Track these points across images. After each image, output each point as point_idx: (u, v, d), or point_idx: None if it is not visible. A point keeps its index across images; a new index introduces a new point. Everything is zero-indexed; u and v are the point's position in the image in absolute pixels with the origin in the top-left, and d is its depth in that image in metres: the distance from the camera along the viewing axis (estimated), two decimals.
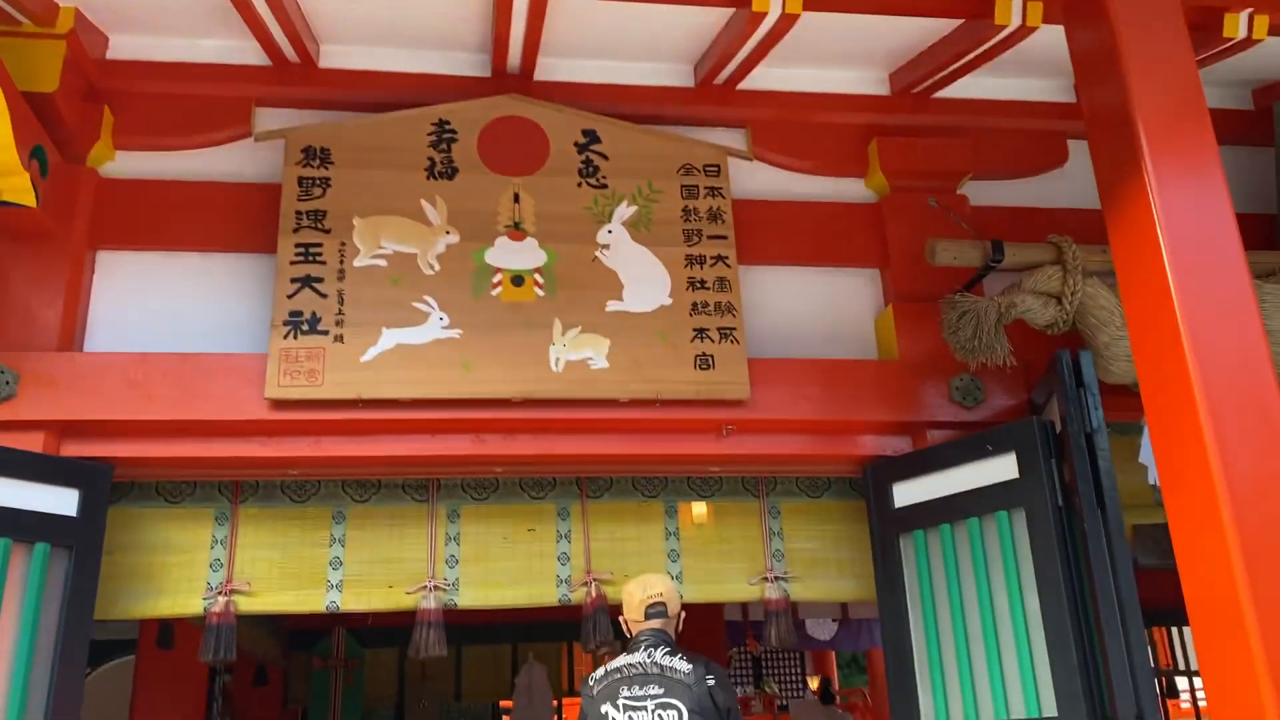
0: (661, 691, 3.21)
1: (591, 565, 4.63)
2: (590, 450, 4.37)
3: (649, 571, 4.61)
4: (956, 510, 4.30)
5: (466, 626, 7.97)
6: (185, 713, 7.17)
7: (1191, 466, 3.05)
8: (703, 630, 9.16)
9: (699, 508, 4.84)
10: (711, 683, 3.22)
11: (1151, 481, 4.40)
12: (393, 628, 7.96)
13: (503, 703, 10.38)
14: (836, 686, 17.09)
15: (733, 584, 4.72)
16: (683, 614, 3.50)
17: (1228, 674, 2.89)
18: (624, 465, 4.64)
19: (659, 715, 3.17)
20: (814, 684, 14.87)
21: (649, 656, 3.29)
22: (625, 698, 3.21)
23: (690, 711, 3.15)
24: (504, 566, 4.60)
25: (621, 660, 3.34)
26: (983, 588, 4.15)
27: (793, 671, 17.59)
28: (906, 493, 4.50)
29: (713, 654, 9.28)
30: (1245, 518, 2.92)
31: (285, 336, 4.15)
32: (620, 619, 3.53)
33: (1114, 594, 3.82)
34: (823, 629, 11.86)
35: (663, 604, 3.41)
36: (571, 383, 4.26)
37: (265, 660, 7.88)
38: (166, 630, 6.20)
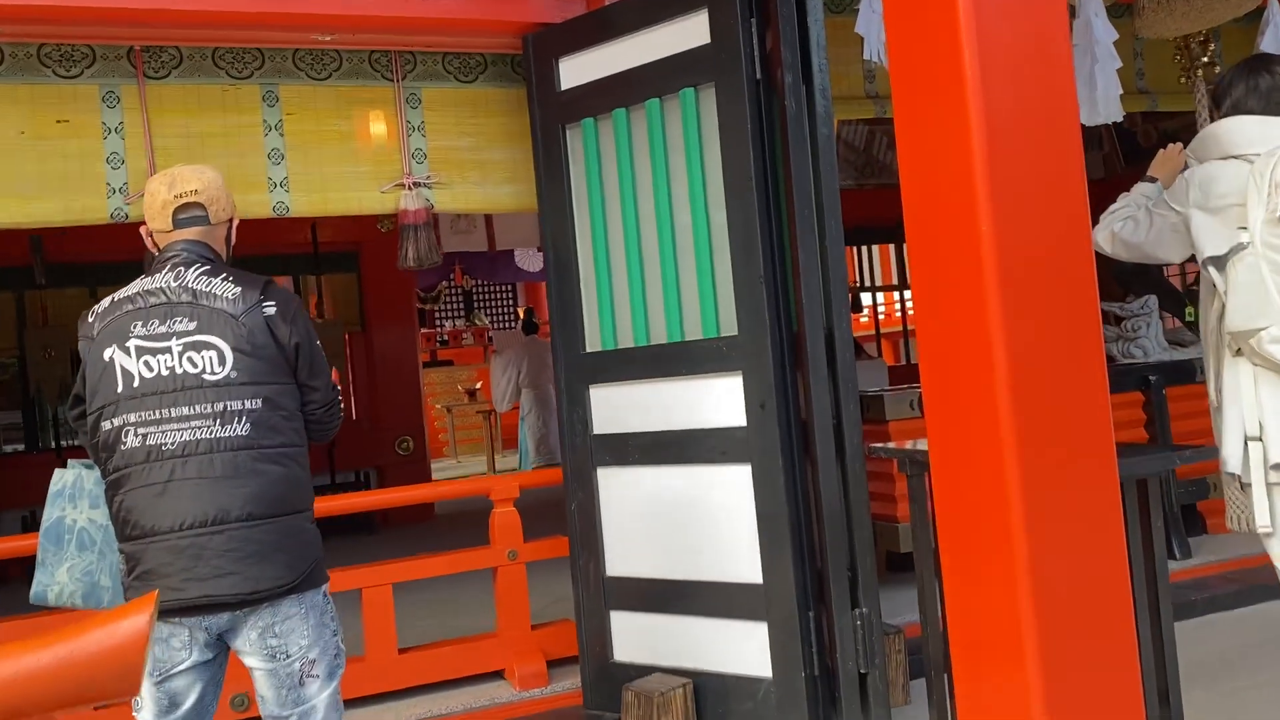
0: (193, 326, 2.23)
1: (158, 169, 3.42)
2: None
3: (239, 174, 3.47)
4: (634, 90, 3.37)
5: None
6: None
7: (937, 32, 2.15)
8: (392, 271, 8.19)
9: (311, 93, 3.65)
10: (271, 311, 2.26)
11: (867, 56, 3.61)
12: None
13: None
14: (545, 315, 17.01)
15: (358, 192, 3.68)
16: (235, 220, 2.45)
17: (942, 288, 2.21)
18: (195, 28, 3.35)
19: (189, 359, 2.21)
20: (523, 313, 14.56)
21: (177, 278, 2.28)
22: (138, 337, 2.22)
23: (236, 352, 2.21)
24: (27, 170, 3.32)
25: (136, 286, 2.31)
26: (661, 188, 3.33)
27: (504, 304, 17.31)
28: (575, 70, 3.51)
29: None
30: (997, 109, 2.08)
31: None
32: (142, 230, 2.44)
33: (812, 192, 3.10)
34: (531, 260, 11.24)
35: (199, 206, 2.34)
36: None
37: None
38: None
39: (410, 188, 3.70)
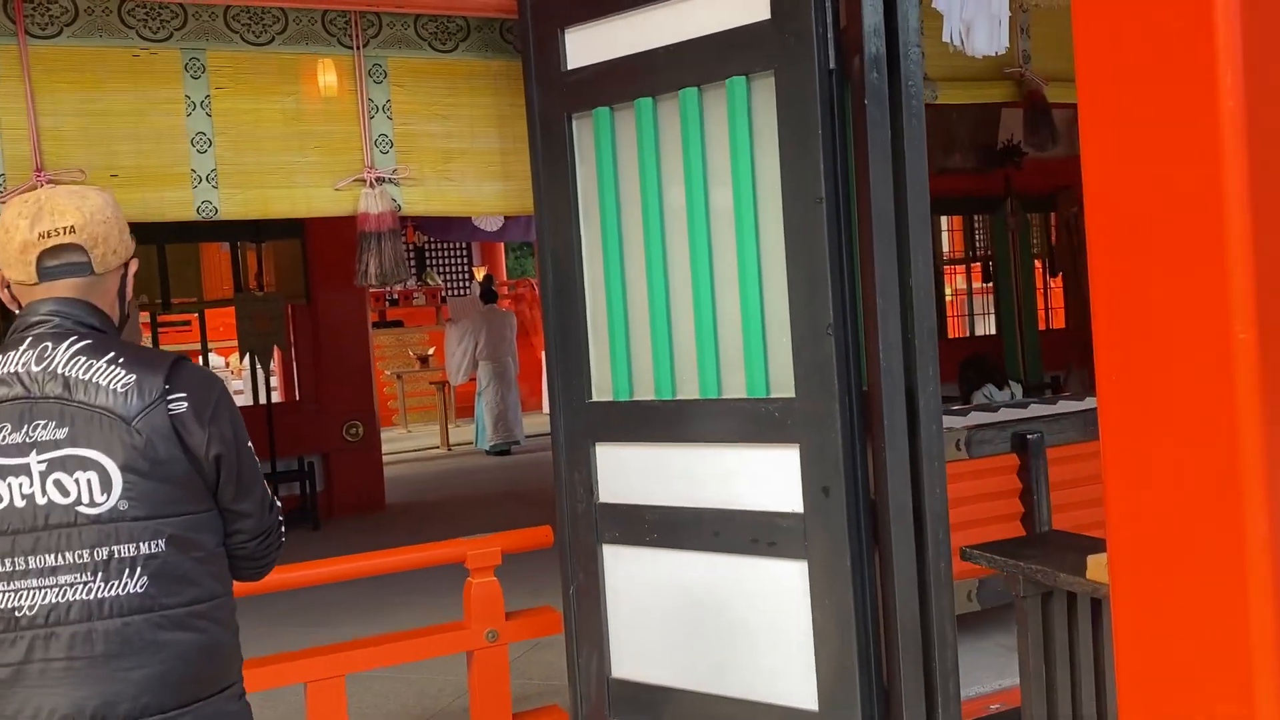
0: (63, 434, 1.51)
1: (44, 159, 2.64)
2: None
3: (153, 165, 2.71)
4: (665, 74, 2.65)
5: None
6: None
7: None
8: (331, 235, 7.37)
9: (247, 61, 2.87)
10: (179, 409, 1.53)
11: (946, 38, 2.92)
12: None
13: None
14: (504, 278, 16.20)
15: (306, 189, 2.92)
16: (133, 265, 1.70)
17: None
18: None
19: (55, 484, 1.48)
20: (479, 275, 13.77)
21: (41, 360, 1.54)
22: None
23: (127, 472, 1.49)
24: None
25: None
26: (697, 202, 2.62)
27: (459, 263, 16.43)
28: (587, 44, 2.77)
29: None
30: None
31: None
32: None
33: (893, 217, 2.41)
34: (488, 219, 10.44)
35: (77, 249, 1.58)
36: None
37: None
38: None
39: (372, 184, 2.95)
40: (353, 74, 2.95)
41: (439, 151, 3.04)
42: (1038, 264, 10.99)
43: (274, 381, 10.48)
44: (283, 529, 1.77)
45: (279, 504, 1.78)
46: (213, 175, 2.80)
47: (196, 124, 2.80)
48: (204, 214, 2.79)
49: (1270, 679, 1.45)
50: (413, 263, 15.90)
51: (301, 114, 2.91)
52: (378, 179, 2.94)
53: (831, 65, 2.44)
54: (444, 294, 15.26)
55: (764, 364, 2.54)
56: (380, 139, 2.98)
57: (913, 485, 2.46)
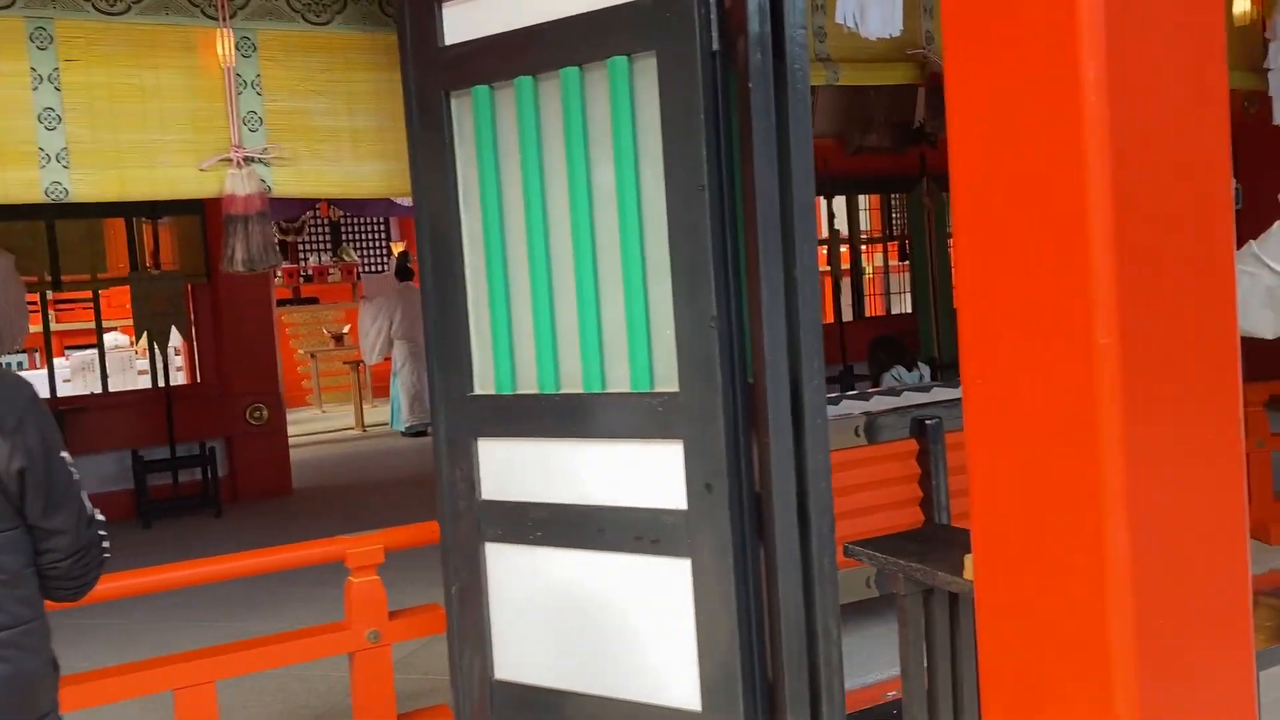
0: None
1: None
2: None
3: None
4: (546, 52, 2.53)
5: None
6: None
7: None
8: None
9: (101, 32, 2.68)
10: None
11: (840, 19, 2.85)
12: None
13: None
14: None
15: (167, 169, 2.75)
16: None
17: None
18: None
19: None
20: (397, 251, 13.47)
21: None
22: None
23: None
24: None
25: None
26: (579, 187, 2.51)
27: (376, 239, 16.07)
28: (465, 20, 2.64)
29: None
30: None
31: None
32: None
33: (779, 205, 2.34)
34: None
35: None
36: None
37: None
38: None
39: (240, 165, 2.78)
40: (218, 47, 2.78)
41: (314, 130, 2.89)
42: (952, 243, 11.01)
43: (180, 362, 10.18)
44: (105, 544, 1.63)
45: (101, 517, 1.64)
46: (63, 154, 2.62)
47: (44, 99, 2.61)
48: (53, 196, 2.60)
49: (1127, 675, 1.41)
50: (328, 239, 15.54)
51: (162, 89, 2.73)
52: (246, 159, 2.78)
53: (715, 46, 2.34)
54: (360, 271, 14.92)
55: (648, 357, 2.46)
56: (249, 116, 2.81)
57: (798, 479, 2.40)
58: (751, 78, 2.30)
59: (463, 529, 2.74)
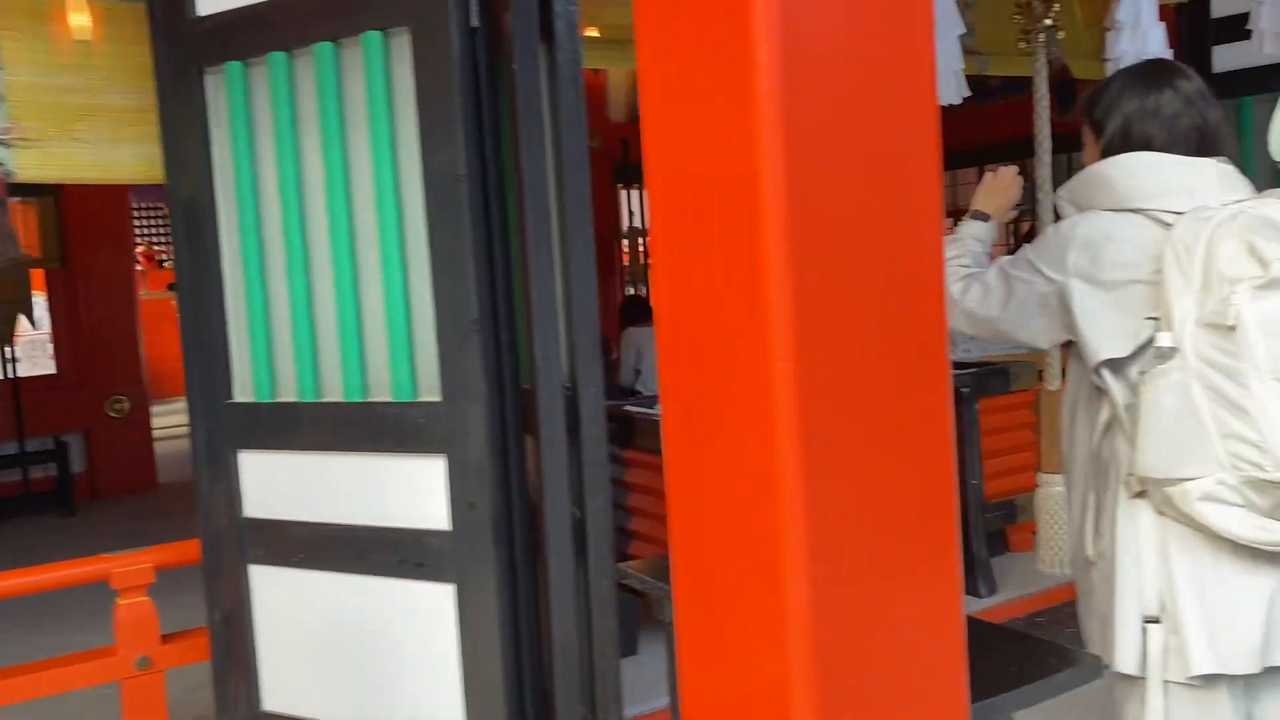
0: None
1: None
2: None
3: None
4: (300, 26, 2.28)
5: None
6: None
7: None
8: None
9: None
10: None
11: None
12: None
13: None
14: None
15: None
16: None
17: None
18: None
19: None
20: None
21: None
22: None
23: None
24: None
25: None
26: (336, 175, 2.28)
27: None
28: None
29: None
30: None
31: None
32: None
33: (552, 196, 2.13)
34: None
35: None
36: None
37: None
38: None
39: None
40: None
41: (64, 108, 2.61)
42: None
43: (38, 351, 9.69)
44: None
45: None
46: None
47: None
48: None
49: (804, 684, 1.25)
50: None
51: None
52: None
53: (475, 22, 2.12)
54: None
55: (409, 364, 2.24)
56: None
57: (574, 495, 2.21)
58: (516, 57, 2.08)
59: (225, 549, 2.51)
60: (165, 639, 2.78)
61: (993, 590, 4.22)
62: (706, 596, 1.36)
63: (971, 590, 4.22)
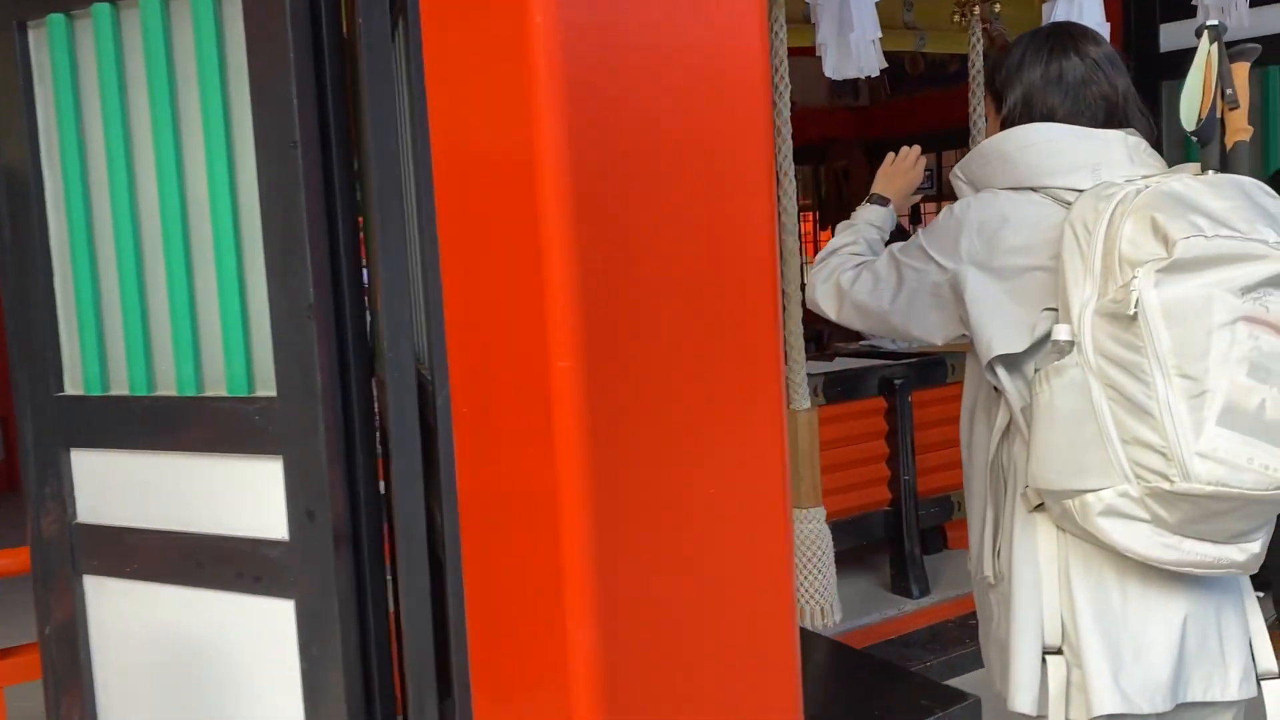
0: None
1: None
2: None
3: None
4: None
5: None
6: None
7: None
8: None
9: None
10: None
11: None
12: None
13: None
14: None
15: None
16: None
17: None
18: None
19: None
20: None
21: None
22: None
23: None
24: None
25: None
26: (165, 143, 2.04)
27: None
28: None
29: None
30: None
31: None
32: None
33: (405, 164, 1.90)
34: None
35: None
36: None
37: None
38: None
39: None
40: None
41: None
42: (808, 216, 10.87)
43: None
44: None
45: None
46: None
47: None
48: None
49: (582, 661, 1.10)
50: None
51: None
52: None
53: None
54: None
55: (245, 354, 2.01)
56: None
57: (428, 502, 1.99)
58: (360, 9, 1.85)
59: (55, 557, 2.27)
60: (1, 654, 2.55)
61: (925, 591, 4.04)
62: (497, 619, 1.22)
63: (903, 590, 4.04)
